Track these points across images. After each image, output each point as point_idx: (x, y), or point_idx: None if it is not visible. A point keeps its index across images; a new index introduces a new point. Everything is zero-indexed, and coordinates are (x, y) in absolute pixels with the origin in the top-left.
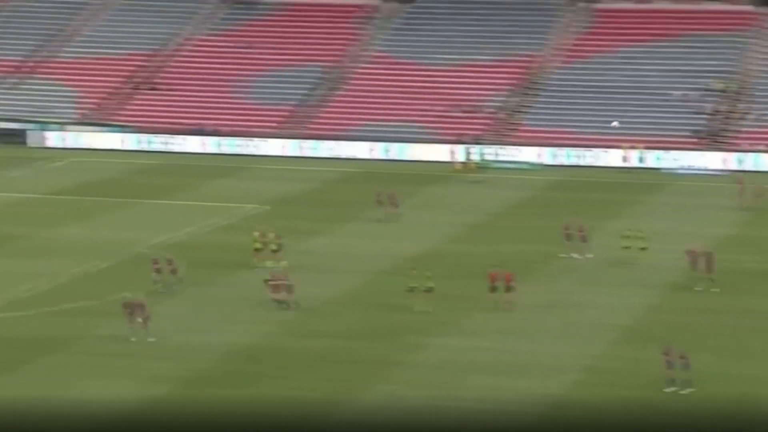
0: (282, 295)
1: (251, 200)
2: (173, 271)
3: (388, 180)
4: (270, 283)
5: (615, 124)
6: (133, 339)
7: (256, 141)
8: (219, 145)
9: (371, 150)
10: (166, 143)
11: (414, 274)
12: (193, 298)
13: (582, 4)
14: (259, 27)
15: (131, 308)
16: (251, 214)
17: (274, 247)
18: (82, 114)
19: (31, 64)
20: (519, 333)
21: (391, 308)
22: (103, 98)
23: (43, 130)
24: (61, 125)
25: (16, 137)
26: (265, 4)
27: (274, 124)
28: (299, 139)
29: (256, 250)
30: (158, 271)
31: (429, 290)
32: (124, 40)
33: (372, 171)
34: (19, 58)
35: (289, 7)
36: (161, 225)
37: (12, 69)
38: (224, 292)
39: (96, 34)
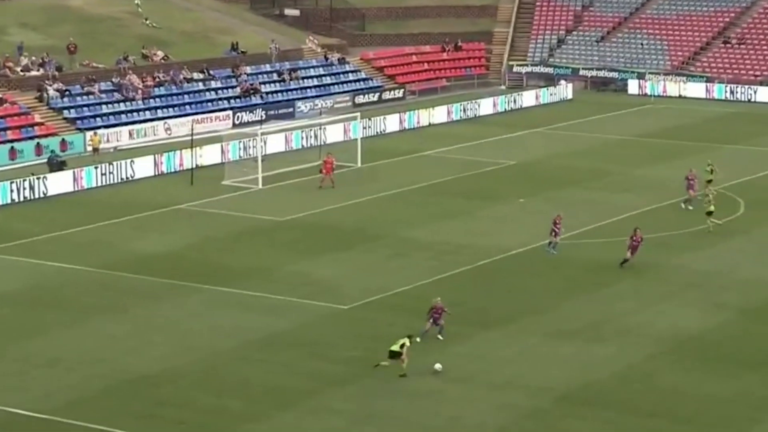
0: None
1: None
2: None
3: None
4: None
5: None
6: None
7: None
8: None
9: None
10: (747, 93)
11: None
12: (757, 236)
13: None
14: None
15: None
16: None
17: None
18: (673, 65)
19: (632, 20)
20: None
21: None
22: (693, 51)
23: (640, 78)
24: (655, 75)
25: (619, 85)
26: None
27: None
28: None
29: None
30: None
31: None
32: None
33: None
34: (624, 15)
35: None
36: (732, 167)
37: (615, 24)
38: None
39: None
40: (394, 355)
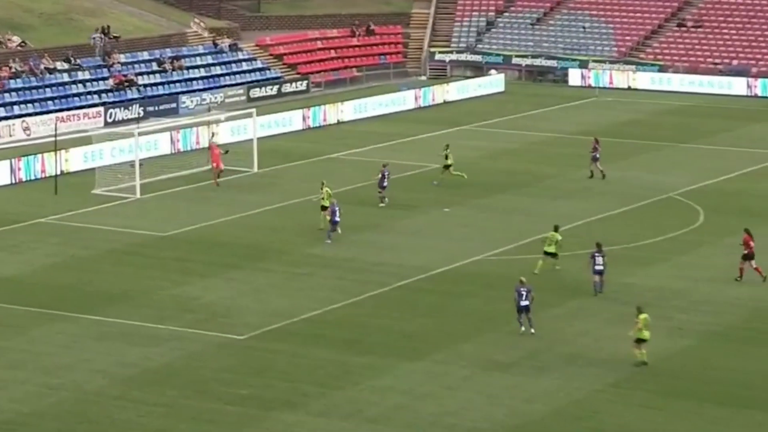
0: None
1: None
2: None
3: None
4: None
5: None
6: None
7: None
8: (757, 86)
9: None
10: (701, 84)
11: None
12: (720, 249)
13: None
14: None
15: None
16: None
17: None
18: (621, 52)
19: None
20: None
21: None
22: (643, 36)
23: (582, 67)
24: (599, 63)
25: (558, 75)
26: None
27: None
28: None
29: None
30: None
31: (323, 208)
32: None
33: None
34: None
35: None
36: (690, 169)
37: (553, 4)
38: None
39: None
40: (643, 342)
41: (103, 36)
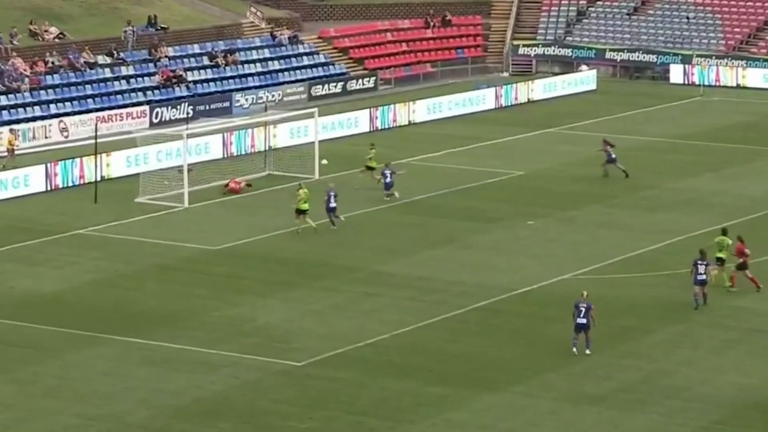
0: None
1: None
2: None
3: None
4: None
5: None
6: None
7: None
8: None
9: None
10: None
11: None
12: None
13: None
14: None
15: None
16: None
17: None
18: (729, 46)
19: None
20: None
21: None
22: (755, 27)
23: (685, 63)
24: (705, 58)
25: (658, 71)
26: None
27: None
28: None
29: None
30: None
31: (300, 212)
32: None
33: None
34: None
35: None
36: None
37: None
38: None
39: None
40: None
41: (134, 29)
